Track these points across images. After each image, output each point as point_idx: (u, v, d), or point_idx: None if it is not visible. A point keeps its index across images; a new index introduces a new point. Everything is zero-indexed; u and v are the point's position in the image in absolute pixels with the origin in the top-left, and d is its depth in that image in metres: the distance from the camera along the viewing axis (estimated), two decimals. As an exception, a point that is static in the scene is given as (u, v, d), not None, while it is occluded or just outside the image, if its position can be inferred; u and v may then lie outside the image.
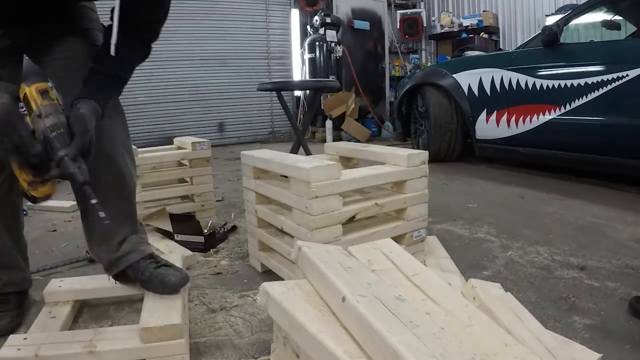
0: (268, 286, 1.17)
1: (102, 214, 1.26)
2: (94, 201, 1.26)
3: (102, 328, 1.66)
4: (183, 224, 2.56)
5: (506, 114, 4.22)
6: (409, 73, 8.76)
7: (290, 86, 5.03)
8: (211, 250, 2.53)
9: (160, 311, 1.52)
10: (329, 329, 1.00)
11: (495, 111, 4.32)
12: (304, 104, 7.89)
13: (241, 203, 3.58)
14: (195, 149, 2.85)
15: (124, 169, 1.71)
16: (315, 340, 0.96)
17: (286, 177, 1.85)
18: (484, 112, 4.44)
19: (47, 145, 1.24)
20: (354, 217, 1.85)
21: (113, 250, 1.74)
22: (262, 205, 2.11)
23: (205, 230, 2.64)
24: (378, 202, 1.91)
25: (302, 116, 7.78)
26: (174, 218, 2.59)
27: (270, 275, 2.18)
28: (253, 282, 2.14)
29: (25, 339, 1.46)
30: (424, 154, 2.00)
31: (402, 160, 1.97)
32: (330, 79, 7.52)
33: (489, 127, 4.41)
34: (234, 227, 2.89)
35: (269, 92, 4.93)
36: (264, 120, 8.24)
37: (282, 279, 2.05)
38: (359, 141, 7.27)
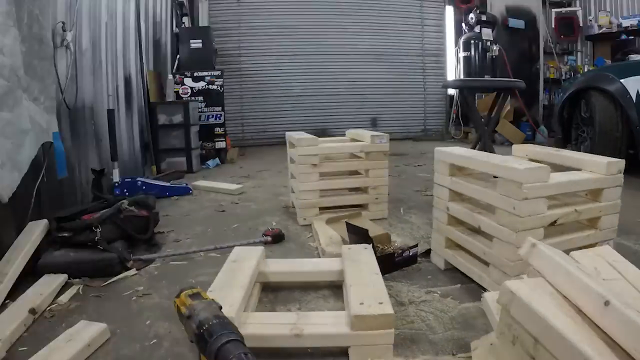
0: (513, 285, 1.13)
1: None
2: None
3: (304, 312, 1.70)
4: (357, 236, 2.26)
5: (677, 126, 3.83)
6: (563, 75, 8.25)
7: (475, 85, 4.86)
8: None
9: (370, 299, 1.53)
10: (586, 339, 0.95)
11: (666, 122, 3.95)
12: (457, 102, 7.73)
13: (407, 199, 3.59)
14: (374, 142, 2.88)
15: None
16: (577, 351, 0.92)
17: (496, 177, 1.81)
18: (654, 122, 4.08)
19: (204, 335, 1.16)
20: (555, 222, 1.77)
21: None
22: (455, 203, 2.07)
23: (389, 249, 2.27)
24: (577, 209, 1.81)
25: (454, 115, 7.63)
26: (350, 229, 2.34)
27: (453, 272, 2.15)
28: (437, 279, 2.11)
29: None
30: (621, 163, 1.87)
31: (601, 168, 1.86)
32: (495, 78, 7.27)
33: (658, 139, 4.05)
34: (428, 251, 2.36)
35: (452, 89, 4.74)
36: (416, 117, 8.17)
37: (470, 278, 2.02)
38: (512, 144, 6.99)
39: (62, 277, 2.02)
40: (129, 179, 3.48)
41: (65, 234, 2.16)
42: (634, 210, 3.15)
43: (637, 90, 4.21)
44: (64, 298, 1.91)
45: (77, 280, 2.07)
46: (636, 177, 4.46)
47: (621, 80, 4.41)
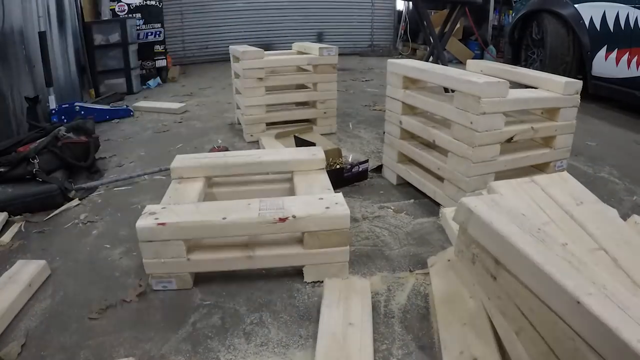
0: (470, 202, 1.07)
1: None
2: None
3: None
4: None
5: (627, 53, 3.83)
6: (515, -3, 8.16)
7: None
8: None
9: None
10: (549, 259, 0.90)
11: (616, 49, 3.94)
12: (405, 18, 7.56)
13: (356, 113, 3.51)
14: (322, 54, 2.75)
15: None
16: (541, 273, 0.87)
17: (448, 90, 1.74)
18: (604, 48, 4.08)
19: None
20: (511, 138, 1.74)
21: None
22: (408, 117, 2.00)
23: (338, 164, 2.19)
24: (534, 127, 1.79)
25: (402, 31, 7.48)
26: (299, 143, 2.27)
27: (406, 188, 2.12)
28: (390, 195, 2.08)
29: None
30: (579, 83, 1.85)
31: (558, 87, 1.83)
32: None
33: (607, 65, 4.05)
34: (380, 167, 2.31)
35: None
36: (363, 32, 7.88)
37: (423, 193, 2.00)
38: (460, 62, 6.97)
39: (2, 216, 1.87)
40: (67, 105, 3.29)
41: (1, 169, 2.00)
42: (583, 132, 3.19)
43: (591, 16, 4.19)
44: (6, 238, 1.77)
45: (19, 217, 1.93)
46: (584, 101, 4.52)
47: (575, 5, 4.37)
